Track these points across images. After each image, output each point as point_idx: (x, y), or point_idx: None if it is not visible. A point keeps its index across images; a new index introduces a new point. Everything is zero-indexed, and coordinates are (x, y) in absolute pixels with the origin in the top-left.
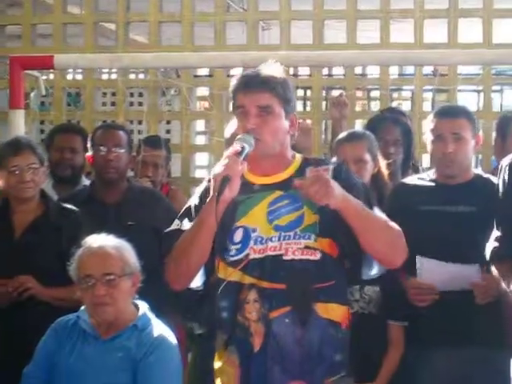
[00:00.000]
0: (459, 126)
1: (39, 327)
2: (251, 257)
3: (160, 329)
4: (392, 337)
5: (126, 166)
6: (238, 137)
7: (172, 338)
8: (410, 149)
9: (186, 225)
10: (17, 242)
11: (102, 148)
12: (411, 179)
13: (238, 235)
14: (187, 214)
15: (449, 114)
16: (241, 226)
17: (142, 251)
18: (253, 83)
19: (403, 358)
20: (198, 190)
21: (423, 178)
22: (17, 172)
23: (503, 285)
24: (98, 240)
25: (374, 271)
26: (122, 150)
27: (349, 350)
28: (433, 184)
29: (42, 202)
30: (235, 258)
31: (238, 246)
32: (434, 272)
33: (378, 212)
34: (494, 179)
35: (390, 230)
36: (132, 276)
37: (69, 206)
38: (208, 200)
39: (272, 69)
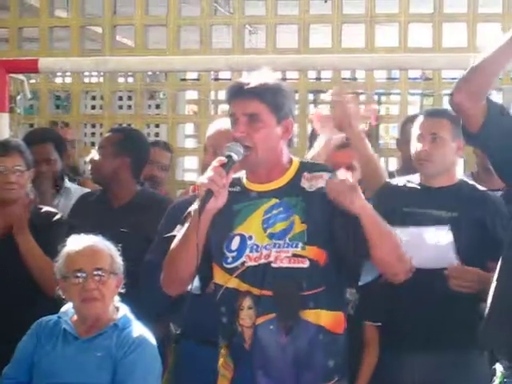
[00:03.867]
0: (439, 126)
1: (21, 329)
2: (247, 264)
3: (140, 329)
4: (368, 337)
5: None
6: (227, 145)
7: (152, 338)
8: None
9: (179, 231)
10: None
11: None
12: (396, 180)
13: (235, 243)
14: (187, 219)
15: (432, 114)
16: (237, 234)
17: (128, 259)
18: (241, 91)
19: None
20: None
21: (410, 180)
22: (2, 173)
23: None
24: (87, 237)
25: (370, 277)
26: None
27: (345, 354)
28: (417, 187)
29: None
30: (232, 265)
31: (234, 254)
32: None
33: None
34: (480, 187)
35: (399, 243)
36: (117, 276)
37: (50, 209)
38: (193, 212)
39: (264, 75)
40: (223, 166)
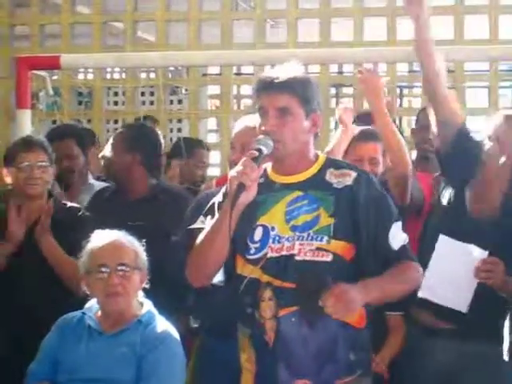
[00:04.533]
0: None
1: (45, 325)
2: (269, 255)
3: (164, 325)
4: (392, 325)
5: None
6: (257, 138)
7: (175, 333)
8: None
9: (208, 223)
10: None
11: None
12: None
13: (258, 234)
14: (211, 210)
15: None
16: (260, 225)
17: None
18: (272, 84)
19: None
20: (223, 188)
21: None
22: (26, 168)
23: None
24: (111, 233)
25: None
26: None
27: (368, 349)
28: None
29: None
30: (255, 256)
31: (258, 245)
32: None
33: (397, 230)
34: None
35: (405, 283)
36: (141, 272)
37: (74, 204)
38: (223, 205)
39: (293, 69)
40: (254, 159)
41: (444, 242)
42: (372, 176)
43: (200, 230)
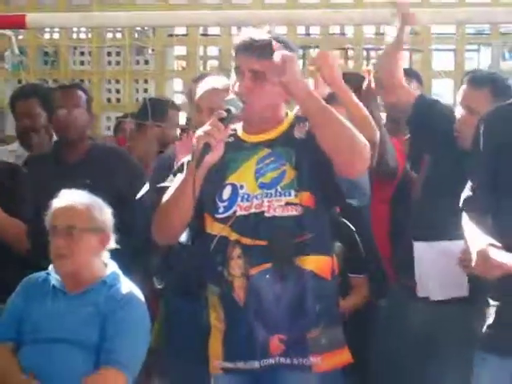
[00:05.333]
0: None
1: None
2: (238, 214)
3: (129, 286)
4: (354, 284)
5: (86, 126)
6: (226, 98)
7: (140, 295)
8: None
9: (175, 182)
10: None
11: (60, 109)
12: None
13: (227, 193)
14: (180, 169)
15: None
16: (229, 184)
17: None
18: (251, 47)
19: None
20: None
21: None
22: None
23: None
24: (71, 193)
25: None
26: (81, 110)
27: (336, 299)
28: None
29: None
30: (224, 215)
31: (226, 204)
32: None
33: None
34: None
35: (351, 132)
36: (100, 233)
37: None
38: (188, 164)
39: (272, 34)
40: (222, 120)
41: (421, 249)
42: None
43: (167, 188)
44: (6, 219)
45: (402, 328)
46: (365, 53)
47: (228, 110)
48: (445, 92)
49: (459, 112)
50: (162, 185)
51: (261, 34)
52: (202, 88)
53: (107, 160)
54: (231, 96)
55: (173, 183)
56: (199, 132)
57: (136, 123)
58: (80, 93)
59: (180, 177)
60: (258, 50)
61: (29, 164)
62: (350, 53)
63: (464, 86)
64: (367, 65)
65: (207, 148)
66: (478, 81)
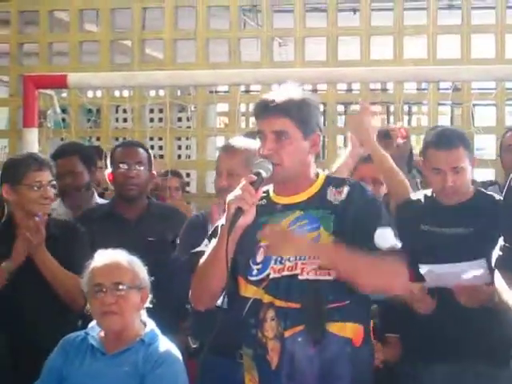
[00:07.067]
0: (457, 158)
1: (48, 344)
2: (271, 276)
3: (166, 344)
4: (388, 342)
5: (146, 183)
6: (256, 162)
7: (178, 353)
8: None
9: (209, 247)
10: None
11: (122, 165)
12: (416, 195)
13: (260, 255)
14: (215, 233)
15: (445, 144)
16: (262, 246)
17: (162, 266)
18: (267, 108)
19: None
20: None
21: (427, 194)
22: (39, 187)
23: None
24: (110, 252)
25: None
26: (142, 167)
27: (370, 366)
28: (433, 203)
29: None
30: (257, 277)
31: (260, 266)
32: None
33: (385, 234)
34: (496, 196)
35: (377, 266)
36: (141, 291)
37: (64, 218)
38: (221, 229)
39: (289, 90)
40: (252, 183)
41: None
42: (365, 186)
43: (202, 252)
44: (63, 272)
45: None
46: (406, 108)
47: (258, 174)
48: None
49: None
50: (198, 249)
51: (276, 94)
52: (221, 151)
53: (165, 217)
54: (260, 159)
55: (207, 248)
56: (230, 196)
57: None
58: (141, 151)
59: (214, 242)
60: (274, 110)
61: (82, 220)
62: (391, 108)
63: None
64: (409, 120)
65: (239, 212)
66: None
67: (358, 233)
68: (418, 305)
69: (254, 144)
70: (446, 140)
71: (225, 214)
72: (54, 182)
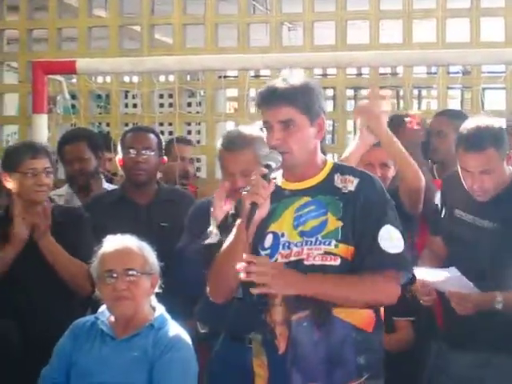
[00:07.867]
0: (486, 161)
1: (58, 330)
2: (279, 261)
3: (176, 329)
4: (398, 326)
5: (155, 169)
6: (264, 154)
7: (187, 338)
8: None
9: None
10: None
11: (131, 151)
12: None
13: (268, 241)
14: (224, 223)
15: (474, 147)
16: (271, 232)
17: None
18: (271, 98)
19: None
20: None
21: None
22: (34, 174)
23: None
24: (120, 238)
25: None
26: (152, 153)
27: (378, 353)
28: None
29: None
30: None
31: (268, 252)
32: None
33: (389, 233)
34: None
35: (362, 293)
36: (151, 276)
37: (72, 206)
38: (238, 224)
39: (291, 77)
40: (264, 176)
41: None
42: (375, 180)
43: (214, 245)
44: (68, 258)
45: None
46: (416, 92)
47: (268, 166)
48: None
49: None
50: (209, 242)
51: (277, 83)
52: (228, 153)
53: (175, 202)
54: (267, 151)
55: (216, 238)
56: (245, 192)
57: None
58: (151, 136)
59: (230, 237)
60: (278, 99)
61: (92, 206)
62: (400, 92)
63: None
64: (419, 104)
65: (255, 207)
66: None
67: (363, 230)
68: (421, 297)
69: (256, 132)
70: (476, 142)
71: (230, 202)
72: (51, 169)
